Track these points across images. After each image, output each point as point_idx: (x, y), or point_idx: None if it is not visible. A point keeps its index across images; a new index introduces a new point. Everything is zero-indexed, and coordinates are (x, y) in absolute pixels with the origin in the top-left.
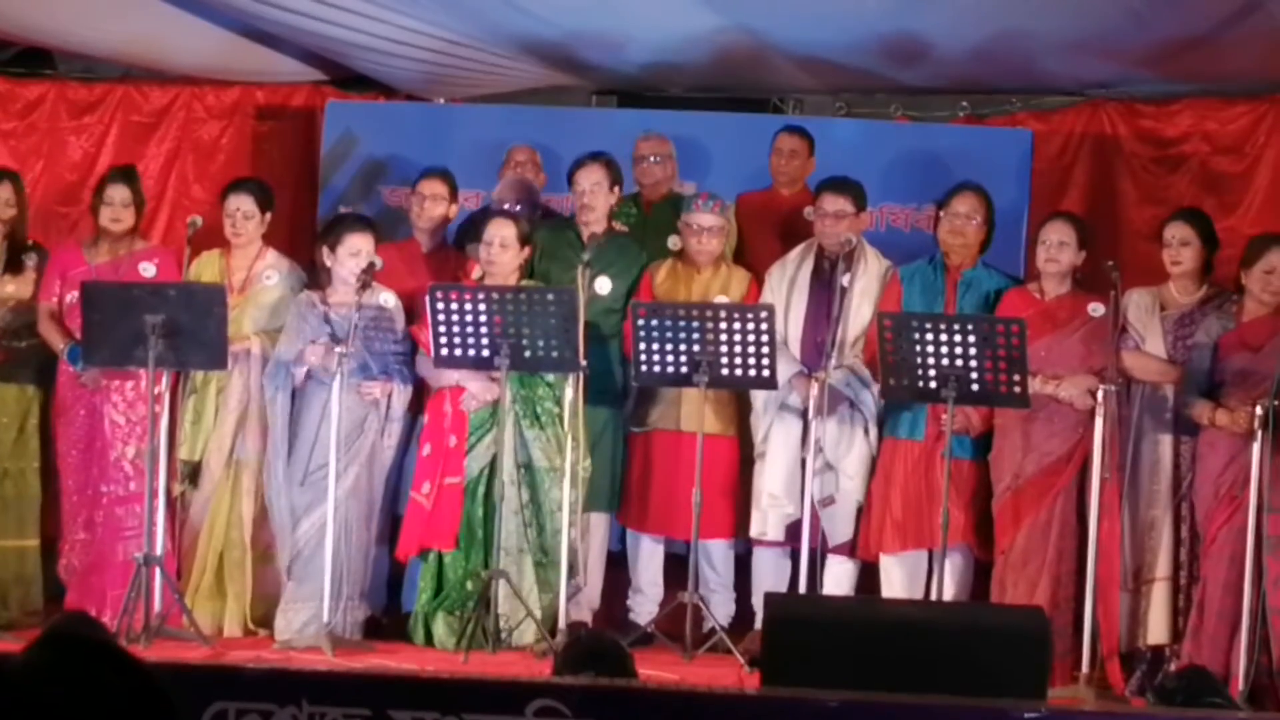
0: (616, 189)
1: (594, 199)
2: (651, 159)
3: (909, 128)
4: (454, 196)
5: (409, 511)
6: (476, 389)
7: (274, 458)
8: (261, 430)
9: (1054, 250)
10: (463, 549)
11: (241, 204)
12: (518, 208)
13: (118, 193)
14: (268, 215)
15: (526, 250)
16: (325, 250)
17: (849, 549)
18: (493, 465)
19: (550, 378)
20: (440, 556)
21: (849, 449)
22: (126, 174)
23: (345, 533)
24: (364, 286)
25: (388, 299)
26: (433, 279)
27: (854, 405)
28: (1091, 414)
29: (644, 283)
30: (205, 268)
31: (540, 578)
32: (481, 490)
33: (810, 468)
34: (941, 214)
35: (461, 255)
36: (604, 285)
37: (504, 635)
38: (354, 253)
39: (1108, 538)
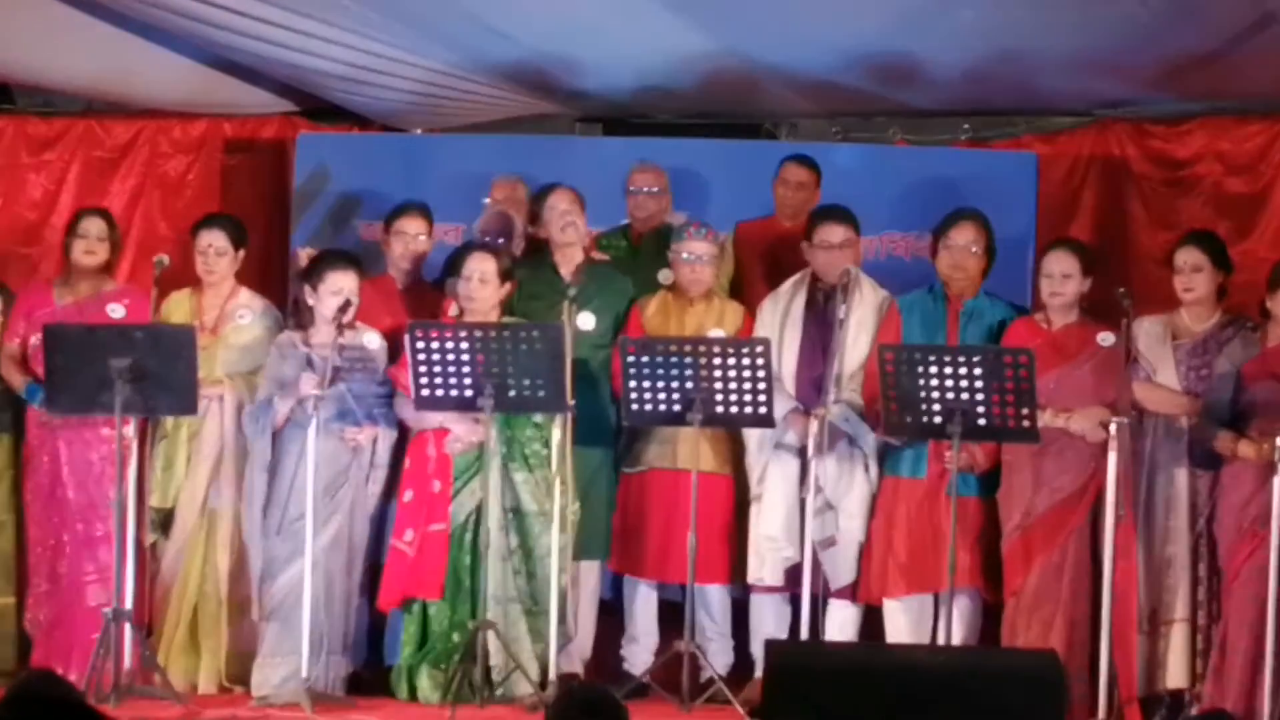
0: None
1: (574, 216)
2: (646, 190)
3: (909, 152)
4: (430, 230)
5: (390, 560)
6: (461, 431)
7: (252, 505)
8: (237, 478)
9: (1058, 283)
10: (448, 599)
11: (214, 240)
12: (499, 241)
13: (93, 225)
14: (241, 252)
15: (508, 286)
16: (308, 289)
17: (851, 593)
18: (479, 511)
19: (538, 418)
20: (425, 607)
21: (849, 488)
22: (101, 211)
23: (326, 584)
24: (340, 326)
25: (371, 339)
26: (410, 316)
27: (853, 442)
28: (1104, 448)
29: (633, 317)
30: (176, 308)
31: (531, 627)
32: (468, 537)
33: (809, 508)
34: (940, 245)
35: (438, 292)
36: (587, 320)
37: (493, 688)
38: (335, 291)
39: (1123, 578)
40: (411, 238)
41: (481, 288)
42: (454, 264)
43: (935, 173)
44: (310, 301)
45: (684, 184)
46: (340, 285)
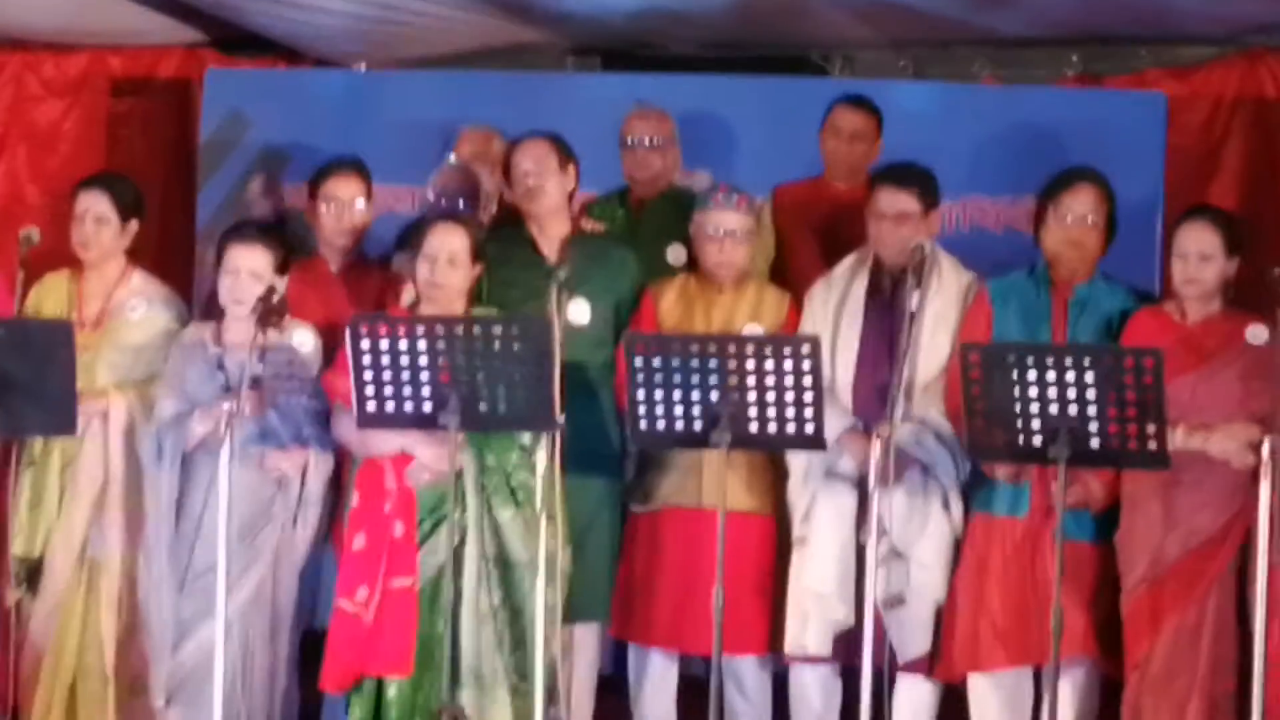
0: (570, 169)
1: (541, 179)
2: (647, 142)
3: (999, 92)
4: (369, 194)
5: (336, 626)
6: (428, 457)
7: (151, 554)
8: (125, 518)
9: (1194, 265)
10: (414, 675)
11: (94, 205)
12: (461, 205)
13: None
14: (132, 223)
15: (478, 267)
16: (220, 272)
17: (925, 666)
18: (455, 560)
19: (525, 438)
20: (379, 685)
21: (922, 530)
22: None
23: (243, 655)
24: (264, 321)
25: (304, 339)
26: (351, 308)
27: (928, 471)
28: (1254, 476)
29: (644, 309)
30: (47, 296)
31: (517, 709)
32: (440, 596)
33: (871, 556)
34: (1048, 213)
35: (386, 272)
36: (580, 311)
37: None
38: (230, 270)
39: None
40: (345, 205)
41: (450, 270)
42: (409, 238)
43: (1034, 119)
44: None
45: (705, 134)
46: (236, 264)
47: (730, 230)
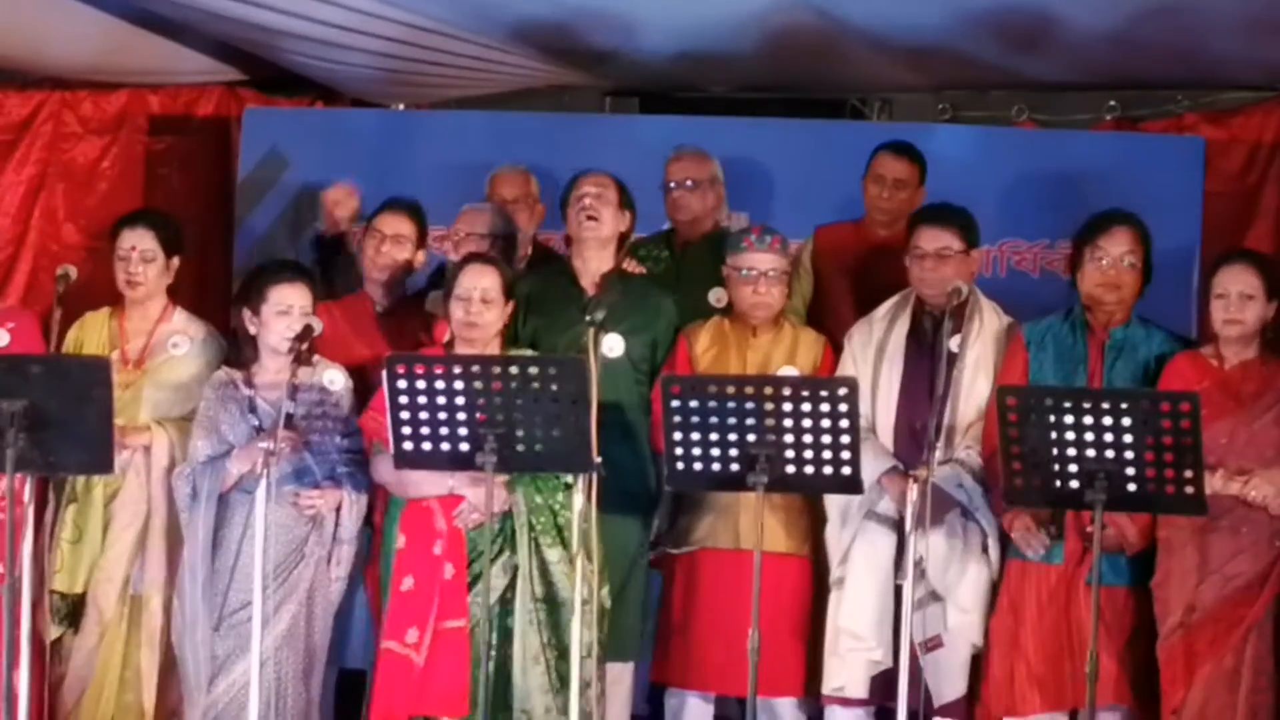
0: (627, 214)
1: (600, 205)
2: (687, 185)
3: (1038, 135)
4: (423, 239)
5: (385, 668)
6: (476, 498)
7: (187, 592)
8: (168, 554)
9: (1236, 305)
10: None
11: (140, 242)
12: (488, 244)
13: None
14: (175, 260)
15: (510, 305)
16: (247, 314)
17: (962, 710)
18: (503, 601)
19: (570, 478)
20: None
21: (961, 573)
22: None
23: (277, 694)
24: (299, 360)
25: (334, 378)
26: (390, 348)
27: (968, 514)
28: None
29: (679, 352)
30: (89, 334)
31: None
32: (491, 636)
33: (908, 599)
34: (1087, 256)
35: (428, 314)
36: (615, 345)
37: None
38: (282, 310)
39: None
40: (387, 240)
41: (484, 310)
42: (442, 278)
43: (1072, 163)
44: (252, 329)
45: (742, 177)
46: (288, 302)
47: (763, 272)
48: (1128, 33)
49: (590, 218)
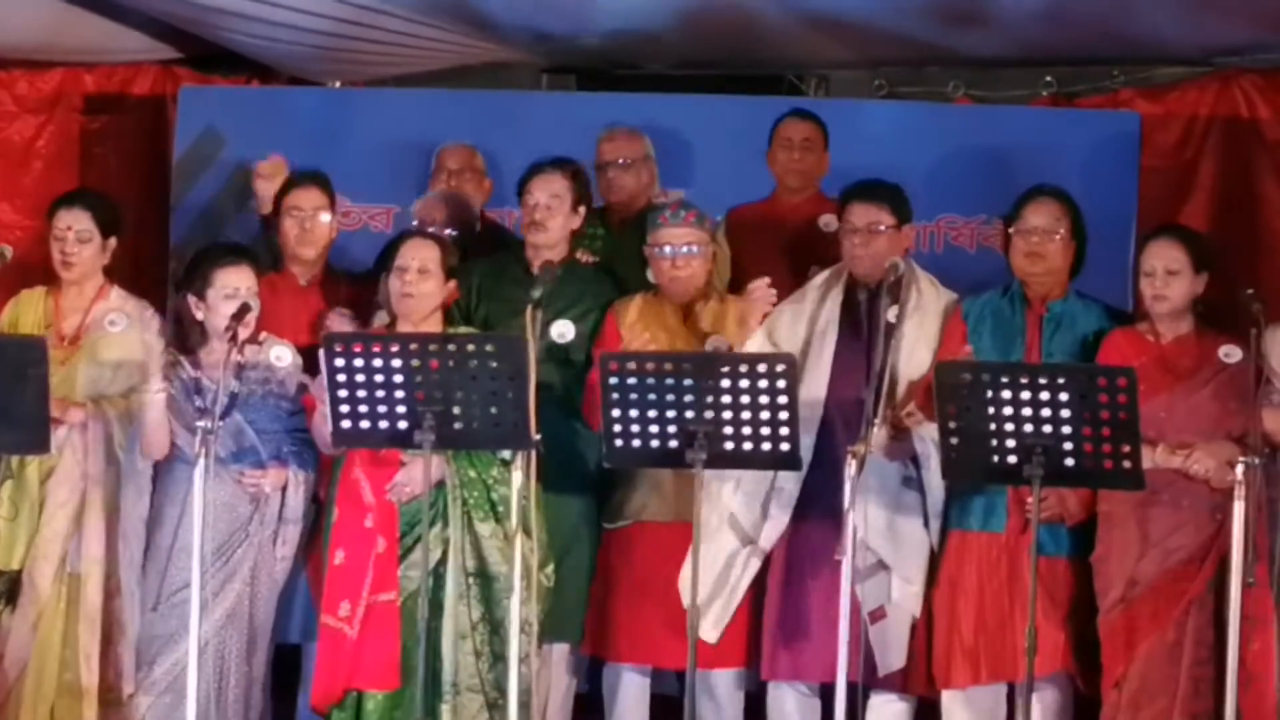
0: (581, 210)
1: (549, 216)
2: (619, 163)
3: (973, 112)
4: (332, 206)
5: (324, 642)
6: (409, 474)
7: (129, 567)
8: (106, 529)
9: (1161, 281)
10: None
11: (75, 222)
12: (447, 231)
13: None
14: (111, 240)
15: (451, 285)
16: (192, 300)
17: (900, 682)
18: (435, 575)
19: (506, 453)
20: (360, 701)
21: (902, 543)
22: None
23: (218, 674)
24: (235, 339)
25: (281, 354)
26: (320, 319)
27: (909, 484)
28: (1230, 495)
29: (607, 327)
30: (24, 312)
31: None
32: (420, 609)
33: (846, 573)
34: (1013, 231)
35: (356, 285)
36: (565, 330)
37: None
38: (229, 294)
39: (1258, 661)
40: (308, 217)
41: (421, 280)
42: (386, 256)
43: (1008, 139)
44: (199, 314)
45: (678, 153)
46: (234, 285)
47: (679, 247)
48: (1063, 9)
49: (538, 226)
